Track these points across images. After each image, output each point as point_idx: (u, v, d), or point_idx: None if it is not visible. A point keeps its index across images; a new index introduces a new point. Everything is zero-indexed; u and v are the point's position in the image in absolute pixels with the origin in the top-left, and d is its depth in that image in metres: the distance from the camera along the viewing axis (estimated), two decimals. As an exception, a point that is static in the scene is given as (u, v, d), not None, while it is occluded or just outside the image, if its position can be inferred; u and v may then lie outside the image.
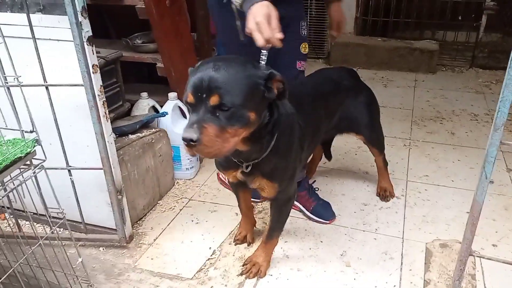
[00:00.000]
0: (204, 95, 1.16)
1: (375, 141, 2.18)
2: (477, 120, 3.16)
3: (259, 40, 1.38)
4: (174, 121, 2.30)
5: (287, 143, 1.51)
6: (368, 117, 2.06)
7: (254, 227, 2.00)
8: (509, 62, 1.06)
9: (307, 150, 1.73)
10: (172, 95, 2.28)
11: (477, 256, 1.36)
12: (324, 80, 1.95)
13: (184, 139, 1.16)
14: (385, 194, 2.26)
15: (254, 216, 2.01)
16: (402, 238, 1.98)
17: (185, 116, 2.38)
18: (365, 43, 4.21)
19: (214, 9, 1.81)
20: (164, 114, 2.18)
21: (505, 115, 1.11)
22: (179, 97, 2.31)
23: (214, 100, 1.16)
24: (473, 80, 3.93)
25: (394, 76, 4.04)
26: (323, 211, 2.10)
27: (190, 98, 1.19)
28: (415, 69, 4.10)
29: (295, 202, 2.09)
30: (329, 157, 2.41)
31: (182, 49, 2.32)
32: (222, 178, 2.29)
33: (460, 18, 4.18)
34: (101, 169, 1.69)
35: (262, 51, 1.43)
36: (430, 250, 1.90)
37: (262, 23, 1.38)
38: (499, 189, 2.31)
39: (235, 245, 1.95)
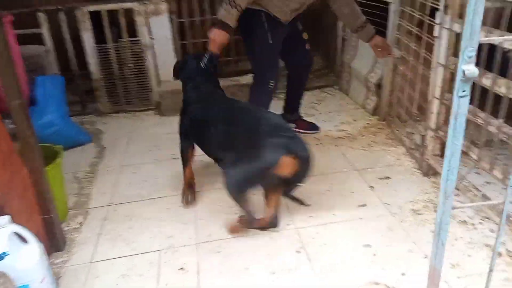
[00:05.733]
0: None
1: None
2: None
3: None
4: (14, 255, 1.68)
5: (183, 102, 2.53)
6: None
7: None
8: (450, 131, 1.01)
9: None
10: (2, 221, 1.66)
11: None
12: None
13: None
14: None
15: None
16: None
17: (25, 241, 1.77)
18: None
19: (254, 33, 2.79)
20: (2, 257, 1.56)
21: (453, 183, 1.06)
22: (14, 219, 1.71)
23: None
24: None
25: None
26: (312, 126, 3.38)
27: None
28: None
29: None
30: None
31: (3, 157, 1.73)
32: None
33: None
34: None
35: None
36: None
37: None
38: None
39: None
